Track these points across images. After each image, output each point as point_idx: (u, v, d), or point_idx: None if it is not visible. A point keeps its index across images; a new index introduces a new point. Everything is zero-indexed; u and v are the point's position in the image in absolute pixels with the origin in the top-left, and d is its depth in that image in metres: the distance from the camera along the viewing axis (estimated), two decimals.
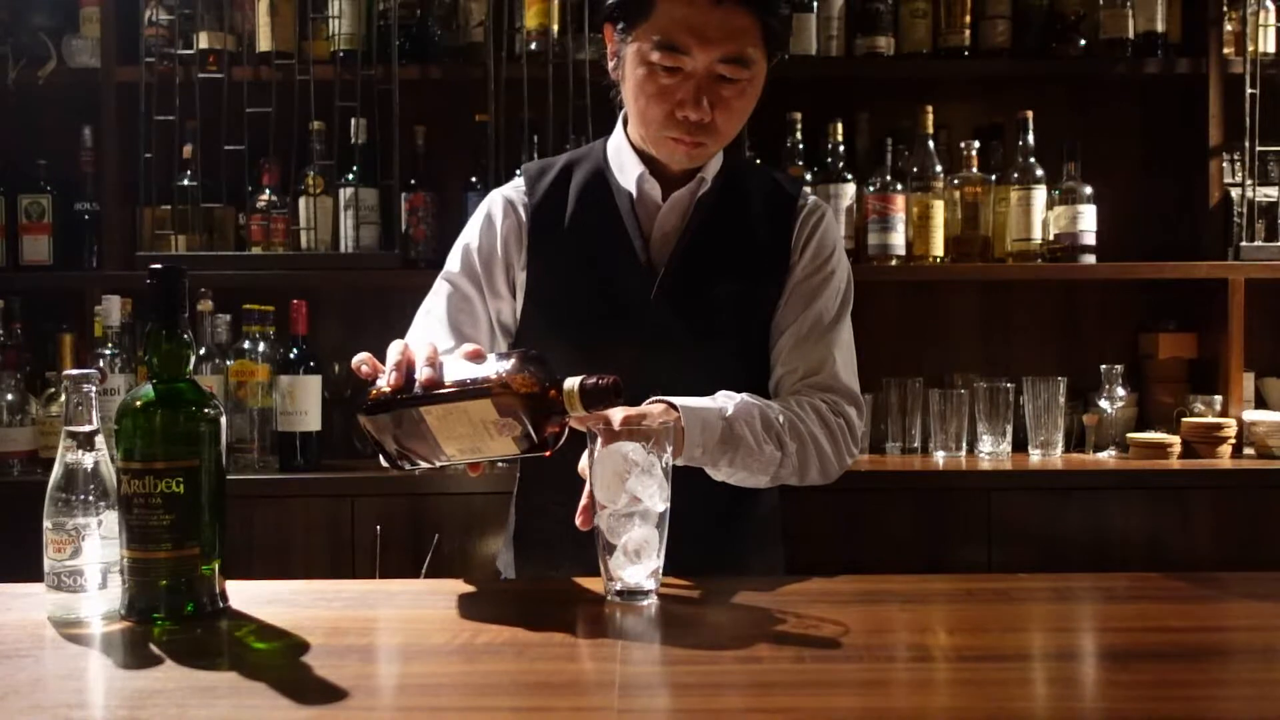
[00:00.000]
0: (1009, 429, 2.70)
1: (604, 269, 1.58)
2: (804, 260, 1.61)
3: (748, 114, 1.53)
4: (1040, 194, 2.77)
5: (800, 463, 1.47)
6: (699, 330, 1.57)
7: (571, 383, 1.16)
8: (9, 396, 2.53)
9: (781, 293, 1.60)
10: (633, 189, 1.58)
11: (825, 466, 1.51)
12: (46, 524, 1.16)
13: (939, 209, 2.76)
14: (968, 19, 2.77)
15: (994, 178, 2.82)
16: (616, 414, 1.24)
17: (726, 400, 1.42)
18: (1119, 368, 2.73)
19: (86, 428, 1.17)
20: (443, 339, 1.54)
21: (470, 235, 1.64)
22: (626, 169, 1.59)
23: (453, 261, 1.64)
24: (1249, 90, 2.70)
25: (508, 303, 1.62)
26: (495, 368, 1.17)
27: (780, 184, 1.68)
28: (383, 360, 1.25)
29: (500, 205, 1.63)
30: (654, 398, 1.36)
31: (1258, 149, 2.73)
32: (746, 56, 1.46)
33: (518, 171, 1.73)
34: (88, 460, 1.16)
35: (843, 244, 1.69)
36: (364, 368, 1.27)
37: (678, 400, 1.37)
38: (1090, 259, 2.76)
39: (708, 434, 1.37)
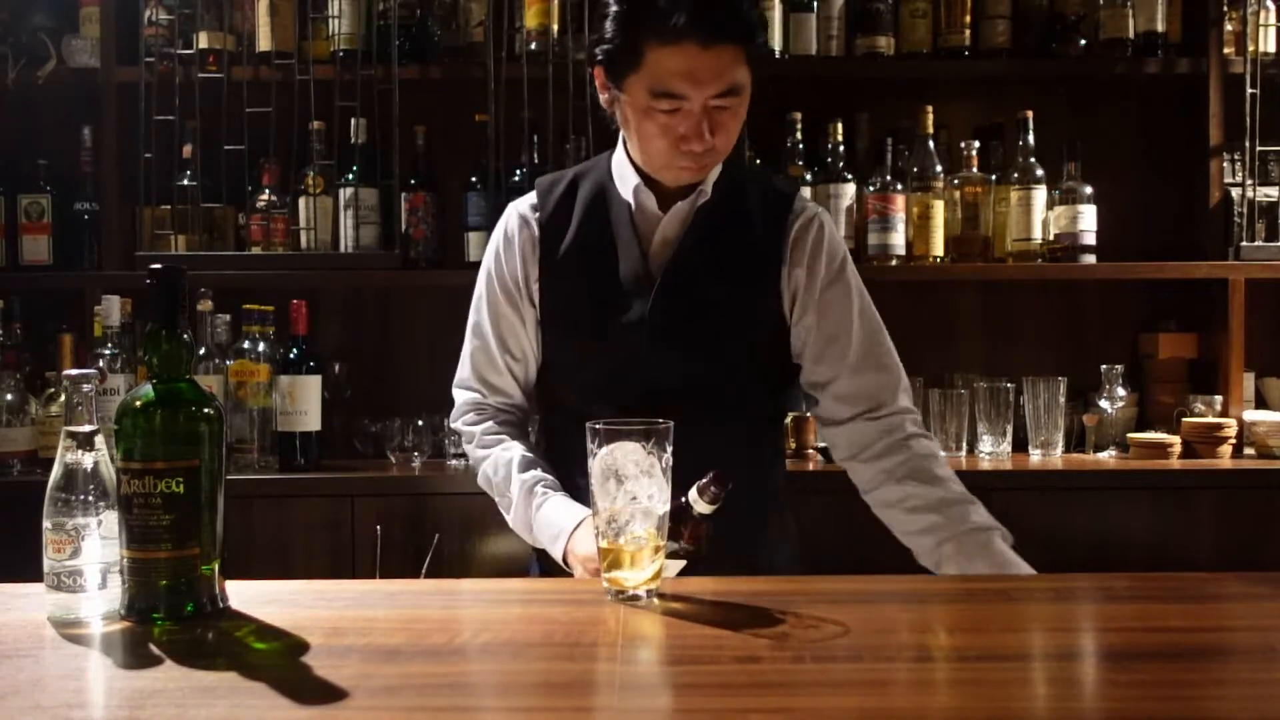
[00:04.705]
0: (1009, 429, 2.70)
1: (605, 278, 1.62)
2: (817, 271, 1.63)
3: (742, 122, 1.57)
4: (1040, 194, 2.77)
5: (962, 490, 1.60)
6: (696, 336, 1.60)
7: (692, 494, 1.33)
8: (9, 396, 2.53)
9: (773, 295, 1.63)
10: (631, 200, 1.62)
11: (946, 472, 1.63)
12: (46, 524, 1.16)
13: (939, 209, 2.76)
14: (968, 19, 2.77)
15: (994, 178, 2.82)
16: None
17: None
18: (1119, 368, 2.73)
19: (86, 428, 1.16)
20: (498, 359, 1.70)
21: (493, 252, 1.71)
22: (626, 180, 1.64)
23: (485, 279, 1.72)
24: (1249, 90, 2.70)
25: (531, 311, 1.68)
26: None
27: (776, 188, 1.71)
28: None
29: (515, 221, 1.69)
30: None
31: (1258, 149, 2.73)
32: (738, 85, 1.51)
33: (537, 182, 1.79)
34: (87, 460, 1.16)
35: (841, 239, 1.72)
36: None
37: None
38: (1090, 259, 2.76)
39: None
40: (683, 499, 1.32)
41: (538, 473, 1.64)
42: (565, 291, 1.65)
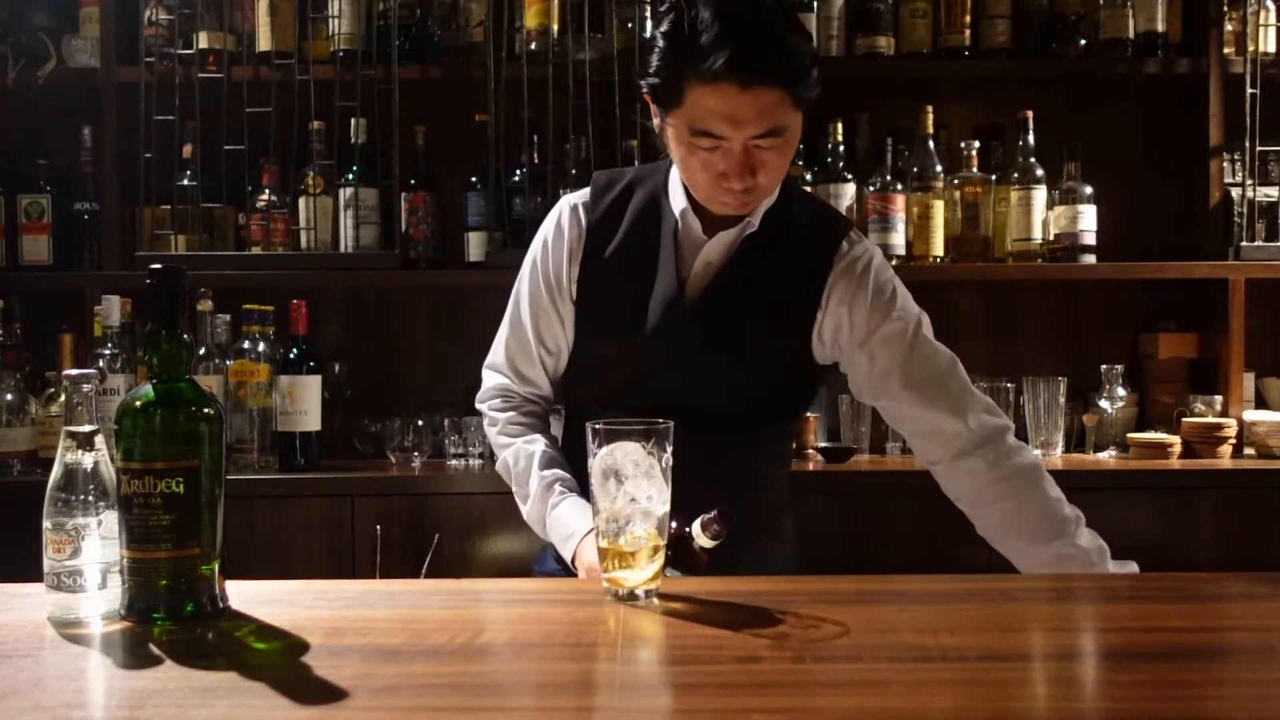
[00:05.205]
0: None
1: (639, 290, 1.62)
2: (860, 314, 1.62)
3: (790, 160, 1.56)
4: (1040, 194, 2.77)
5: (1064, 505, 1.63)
6: (717, 363, 1.61)
7: (695, 527, 1.33)
8: (9, 396, 2.53)
9: (802, 337, 1.63)
10: (679, 218, 1.62)
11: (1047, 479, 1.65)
12: (46, 524, 1.16)
13: (939, 209, 2.76)
14: (968, 19, 2.77)
15: (994, 178, 2.82)
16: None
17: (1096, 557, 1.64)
18: (1119, 368, 2.73)
19: (86, 428, 1.16)
20: (533, 350, 1.70)
21: (540, 242, 1.71)
22: (677, 199, 1.63)
23: (529, 268, 1.71)
24: (1249, 90, 2.70)
25: (569, 307, 1.68)
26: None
27: (827, 226, 1.68)
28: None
29: (567, 215, 1.69)
30: None
31: (1258, 149, 2.73)
32: (780, 127, 1.48)
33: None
34: (87, 460, 1.16)
35: (891, 276, 1.68)
36: None
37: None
38: (1090, 259, 2.76)
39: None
40: (686, 530, 1.31)
41: (557, 471, 1.65)
42: (599, 295, 1.65)
